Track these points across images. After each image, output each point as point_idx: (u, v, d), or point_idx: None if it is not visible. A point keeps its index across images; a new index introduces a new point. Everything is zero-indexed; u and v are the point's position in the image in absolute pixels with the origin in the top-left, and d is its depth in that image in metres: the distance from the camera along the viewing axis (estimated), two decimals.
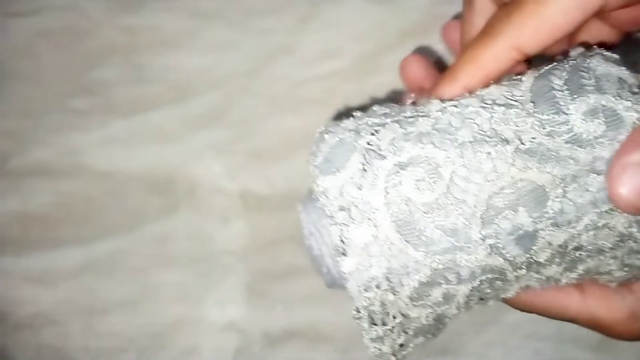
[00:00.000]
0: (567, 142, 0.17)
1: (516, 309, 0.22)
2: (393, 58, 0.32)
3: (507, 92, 0.19)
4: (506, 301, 0.21)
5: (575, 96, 0.18)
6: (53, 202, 0.31)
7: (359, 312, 0.19)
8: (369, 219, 0.18)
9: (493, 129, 0.18)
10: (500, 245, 0.18)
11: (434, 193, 0.18)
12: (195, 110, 0.30)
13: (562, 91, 0.18)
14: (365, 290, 0.18)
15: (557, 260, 0.19)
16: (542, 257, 0.18)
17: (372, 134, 0.19)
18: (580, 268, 0.19)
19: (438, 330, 0.21)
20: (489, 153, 0.17)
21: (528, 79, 0.19)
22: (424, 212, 0.18)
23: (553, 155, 0.17)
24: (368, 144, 0.19)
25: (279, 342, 0.30)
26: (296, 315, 0.30)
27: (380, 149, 0.19)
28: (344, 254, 0.18)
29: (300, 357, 0.30)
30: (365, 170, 0.18)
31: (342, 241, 0.18)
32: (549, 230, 0.18)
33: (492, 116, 0.18)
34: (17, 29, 0.32)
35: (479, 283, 0.19)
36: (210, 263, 0.30)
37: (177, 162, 0.31)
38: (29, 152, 0.31)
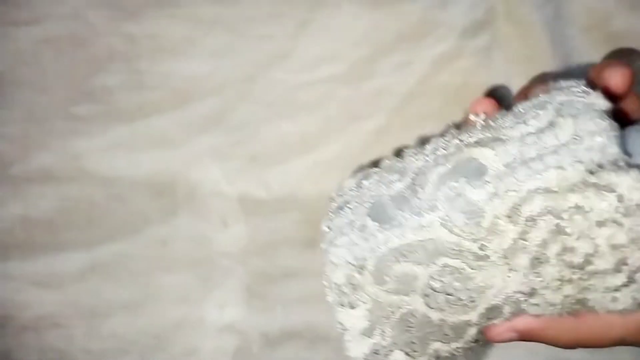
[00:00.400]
0: None
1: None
2: (389, 62, 0.33)
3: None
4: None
5: None
6: (56, 206, 0.32)
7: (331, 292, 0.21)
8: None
9: None
10: (448, 218, 0.20)
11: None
12: (195, 115, 0.30)
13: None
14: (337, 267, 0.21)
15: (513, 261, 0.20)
16: (492, 244, 0.19)
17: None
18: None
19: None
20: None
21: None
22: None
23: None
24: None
25: (277, 342, 0.31)
26: (294, 316, 0.31)
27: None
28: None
29: (298, 357, 0.31)
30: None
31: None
32: (492, 202, 0.19)
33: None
34: (21, 37, 0.33)
35: (438, 269, 0.20)
36: (210, 266, 0.31)
37: (178, 167, 0.31)
38: (32, 157, 0.32)
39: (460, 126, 0.23)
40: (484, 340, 0.22)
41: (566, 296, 0.20)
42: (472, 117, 0.22)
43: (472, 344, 0.22)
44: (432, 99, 0.32)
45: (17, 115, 0.32)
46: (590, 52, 0.33)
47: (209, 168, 0.32)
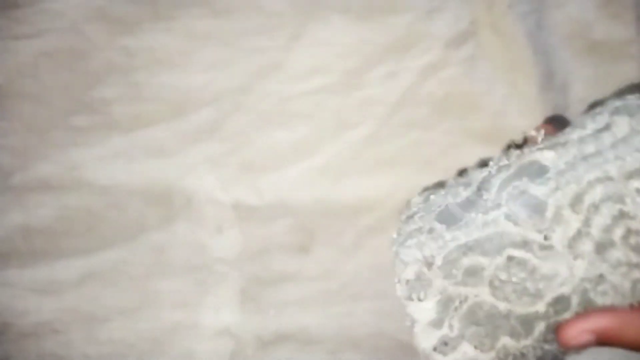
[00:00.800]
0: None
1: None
2: (377, 73, 0.34)
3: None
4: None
5: None
6: (56, 215, 0.32)
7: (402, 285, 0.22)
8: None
9: None
10: (512, 212, 0.20)
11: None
12: (190, 125, 0.31)
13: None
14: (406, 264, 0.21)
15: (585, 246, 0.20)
16: (558, 234, 0.20)
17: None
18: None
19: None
20: None
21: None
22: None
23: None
24: None
25: (271, 345, 0.31)
26: (288, 319, 0.32)
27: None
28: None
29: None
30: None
31: None
32: (555, 194, 0.20)
33: None
34: (22, 51, 0.33)
35: (504, 260, 0.20)
36: (206, 271, 0.32)
37: (174, 176, 0.32)
38: (32, 167, 0.33)
39: (521, 145, 0.23)
40: (555, 343, 0.22)
41: (635, 281, 0.20)
42: (533, 132, 0.23)
43: (543, 345, 0.22)
44: (419, 108, 0.33)
45: (17, 127, 0.33)
46: (572, 61, 0.34)
47: (204, 176, 0.32)
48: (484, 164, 0.24)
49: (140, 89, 0.33)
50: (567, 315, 0.21)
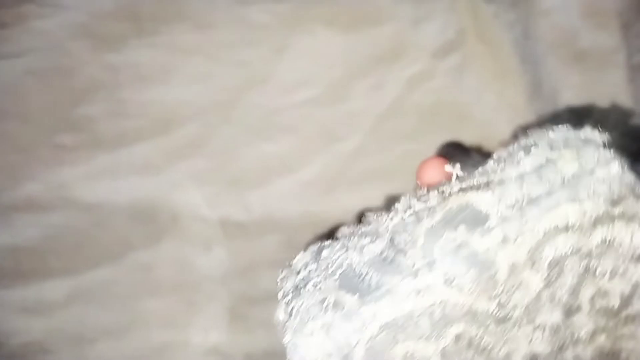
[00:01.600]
0: None
1: None
2: (363, 84, 0.34)
3: None
4: None
5: None
6: (42, 234, 0.32)
7: None
8: None
9: None
10: (453, 274, 0.16)
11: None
12: (176, 141, 0.31)
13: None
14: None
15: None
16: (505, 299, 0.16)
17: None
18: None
19: None
20: None
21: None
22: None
23: None
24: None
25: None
26: (277, 337, 0.31)
27: None
28: None
29: None
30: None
31: None
32: (505, 249, 0.16)
33: None
34: (6, 70, 0.33)
35: (450, 342, 0.16)
36: (194, 289, 0.31)
37: (160, 193, 0.32)
38: (18, 187, 0.32)
39: (417, 194, 0.19)
40: None
41: (599, 349, 0.17)
42: (447, 168, 0.19)
43: None
44: (406, 119, 0.33)
45: (2, 146, 0.33)
46: (560, 69, 0.34)
47: (190, 193, 0.32)
48: (387, 205, 0.20)
49: (125, 106, 0.33)
50: None
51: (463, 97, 0.33)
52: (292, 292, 0.18)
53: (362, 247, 0.17)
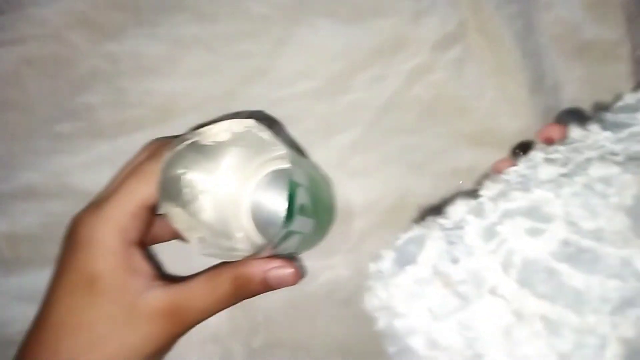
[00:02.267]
0: None
1: None
2: (364, 77, 0.33)
3: None
4: None
5: None
6: (41, 222, 0.32)
7: None
8: None
9: None
10: None
11: None
12: (176, 131, 0.30)
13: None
14: None
15: None
16: None
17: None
18: None
19: None
20: None
21: None
22: None
23: None
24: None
25: (259, 351, 0.31)
26: (275, 326, 0.31)
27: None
28: None
29: None
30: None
31: None
32: None
33: None
34: (4, 58, 0.33)
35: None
36: None
37: None
38: (17, 175, 0.33)
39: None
40: None
41: None
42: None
43: None
44: (406, 112, 0.33)
45: (1, 135, 0.33)
46: (562, 62, 0.33)
47: None
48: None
49: (124, 95, 0.33)
50: None
51: (463, 90, 0.33)
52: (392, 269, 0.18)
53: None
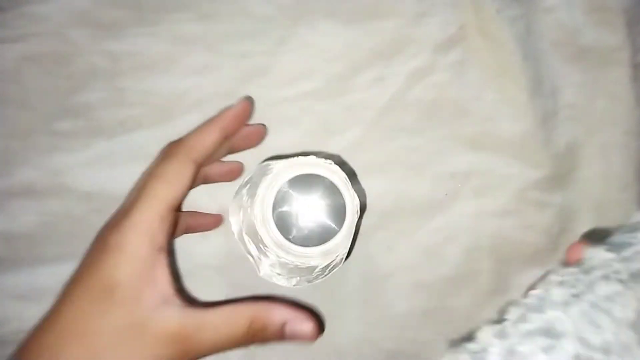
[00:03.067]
0: None
1: None
2: (364, 78, 0.33)
3: None
4: None
5: None
6: (38, 221, 0.32)
7: None
8: None
9: None
10: None
11: None
12: (175, 131, 0.30)
13: None
14: None
15: None
16: None
17: None
18: None
19: None
20: None
21: None
22: None
23: None
24: None
25: (256, 352, 0.31)
26: None
27: None
28: None
29: None
30: None
31: None
32: None
33: None
34: (4, 55, 0.33)
35: None
36: (191, 277, 0.31)
37: None
38: (15, 173, 0.32)
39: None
40: None
41: None
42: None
43: None
44: (406, 113, 0.33)
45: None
46: (561, 66, 0.34)
47: None
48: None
49: (124, 94, 0.33)
50: None
51: (463, 92, 0.33)
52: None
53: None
